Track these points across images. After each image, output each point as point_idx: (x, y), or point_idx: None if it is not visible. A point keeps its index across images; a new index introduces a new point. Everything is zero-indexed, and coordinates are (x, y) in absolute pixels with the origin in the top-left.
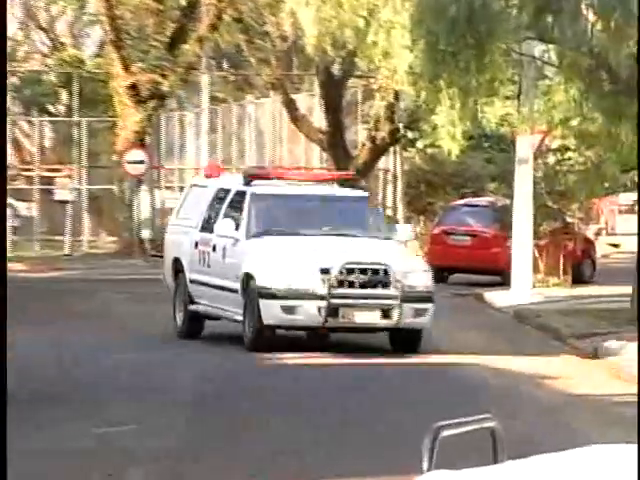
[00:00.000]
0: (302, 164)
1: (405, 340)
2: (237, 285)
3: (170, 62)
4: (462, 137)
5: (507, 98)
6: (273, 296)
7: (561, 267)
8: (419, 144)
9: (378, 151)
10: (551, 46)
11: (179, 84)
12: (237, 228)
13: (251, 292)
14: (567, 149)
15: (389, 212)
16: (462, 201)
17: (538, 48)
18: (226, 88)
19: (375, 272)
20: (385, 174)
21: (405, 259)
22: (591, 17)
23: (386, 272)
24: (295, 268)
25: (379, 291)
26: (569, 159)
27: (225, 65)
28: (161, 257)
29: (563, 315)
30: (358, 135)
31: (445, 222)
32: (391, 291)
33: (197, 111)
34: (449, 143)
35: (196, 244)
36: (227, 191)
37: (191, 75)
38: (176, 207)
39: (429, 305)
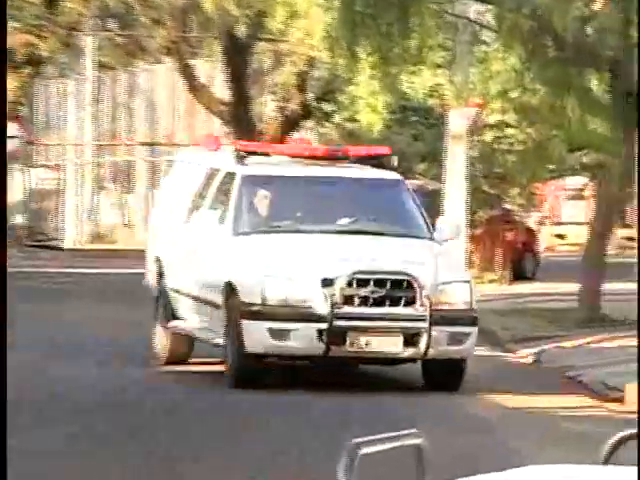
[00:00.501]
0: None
1: (440, 374)
2: (219, 298)
3: (49, 22)
4: (385, 110)
5: (438, 66)
6: (259, 315)
7: (499, 261)
8: (336, 118)
9: (289, 126)
10: (489, 7)
11: (59, 48)
12: (222, 222)
13: (232, 309)
14: (506, 125)
15: None
16: None
17: (474, 9)
18: (114, 53)
19: (397, 284)
20: None
21: (441, 266)
22: None
23: (411, 284)
24: (289, 278)
25: (401, 310)
26: (509, 137)
27: (113, 26)
28: (40, 247)
29: (500, 316)
30: (266, 107)
31: None
32: (418, 310)
33: (80, 79)
34: (370, 116)
35: (179, 241)
36: (217, 171)
37: (73, 37)
38: (159, 188)
39: (470, 329)
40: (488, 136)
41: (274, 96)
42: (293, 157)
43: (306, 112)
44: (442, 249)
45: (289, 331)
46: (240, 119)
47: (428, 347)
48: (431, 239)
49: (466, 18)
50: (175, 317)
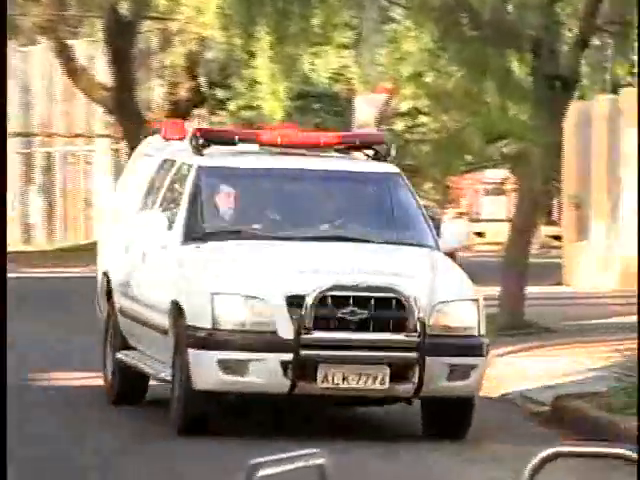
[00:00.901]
0: (80, 130)
1: (441, 418)
2: (166, 322)
3: None
4: (287, 96)
5: (343, 47)
6: (208, 343)
7: None
8: (231, 105)
9: (178, 114)
10: None
11: None
12: (171, 226)
13: (178, 334)
14: (419, 113)
15: None
16: None
17: None
18: None
19: (383, 303)
20: None
21: (441, 281)
22: None
23: (401, 304)
24: (246, 295)
25: (388, 336)
26: (421, 125)
27: None
28: None
29: None
30: (153, 93)
31: None
32: (409, 336)
33: None
34: (270, 104)
35: (126, 252)
36: (171, 164)
37: None
38: (114, 187)
39: (476, 360)
40: (399, 125)
41: (162, 81)
42: (267, 145)
43: (198, 98)
44: (443, 261)
45: (246, 363)
46: (124, 106)
47: (422, 383)
48: (432, 247)
49: None
50: (126, 346)
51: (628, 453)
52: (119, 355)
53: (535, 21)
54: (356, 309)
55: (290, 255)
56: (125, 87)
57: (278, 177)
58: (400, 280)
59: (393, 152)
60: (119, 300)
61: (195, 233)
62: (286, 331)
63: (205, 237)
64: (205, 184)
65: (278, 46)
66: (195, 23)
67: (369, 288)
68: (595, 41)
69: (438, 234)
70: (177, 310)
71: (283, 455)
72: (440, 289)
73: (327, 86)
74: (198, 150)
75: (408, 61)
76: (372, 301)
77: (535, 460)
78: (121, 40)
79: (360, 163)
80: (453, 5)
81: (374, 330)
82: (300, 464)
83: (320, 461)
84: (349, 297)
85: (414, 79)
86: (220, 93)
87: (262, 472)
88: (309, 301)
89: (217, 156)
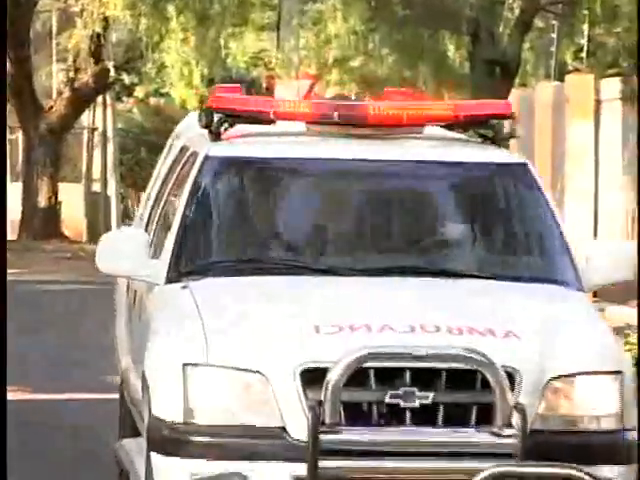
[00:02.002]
0: None
1: None
2: (141, 405)
3: None
4: (201, 82)
5: (262, 29)
6: (176, 447)
7: None
8: (138, 92)
9: (80, 101)
10: None
11: None
12: (158, 253)
13: (145, 429)
14: None
15: (97, 188)
16: None
17: None
18: None
19: (459, 381)
20: (91, 134)
21: (563, 341)
22: None
23: (486, 381)
24: (235, 367)
25: (466, 435)
26: None
27: None
28: None
29: None
30: (53, 79)
31: None
32: (500, 434)
33: None
34: (183, 90)
35: (128, 289)
36: (185, 154)
37: None
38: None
39: (617, 470)
40: None
41: (63, 65)
42: (322, 124)
43: (102, 84)
44: (583, 307)
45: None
46: (21, 93)
47: None
48: (571, 284)
49: None
50: (135, 431)
51: (576, 474)
52: (116, 445)
53: (473, 1)
54: (414, 390)
55: (317, 301)
56: (21, 72)
57: (330, 174)
58: (490, 342)
59: (520, 131)
60: (120, 362)
61: (187, 265)
62: (298, 427)
63: (201, 271)
64: (212, 185)
65: (191, 27)
66: (99, 2)
67: (436, 357)
68: (539, 23)
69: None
70: (145, 389)
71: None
72: (559, 356)
73: (245, 71)
74: (214, 132)
75: (334, 44)
76: (442, 378)
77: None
78: (17, 21)
79: (466, 149)
80: None
81: (444, 424)
82: None
83: None
84: (402, 371)
85: (340, 64)
86: (127, 78)
87: None
88: (334, 377)
89: (240, 142)
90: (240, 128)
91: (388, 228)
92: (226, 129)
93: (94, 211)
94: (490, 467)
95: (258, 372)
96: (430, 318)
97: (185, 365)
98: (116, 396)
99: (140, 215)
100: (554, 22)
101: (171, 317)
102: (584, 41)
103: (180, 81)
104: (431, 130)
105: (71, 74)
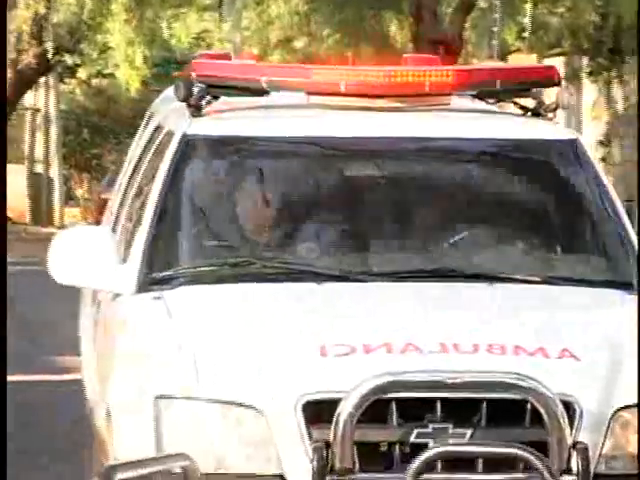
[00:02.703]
0: None
1: None
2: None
3: None
4: (144, 64)
5: (205, 9)
6: None
7: None
8: (81, 73)
9: (22, 83)
10: None
11: None
12: (126, 257)
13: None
14: None
15: (40, 169)
16: None
17: None
18: None
19: (503, 413)
20: (33, 115)
21: (633, 363)
22: None
23: (536, 413)
24: (222, 402)
25: None
26: None
27: None
28: None
29: None
30: None
31: None
32: (555, 478)
33: None
34: (127, 72)
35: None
36: (159, 135)
37: None
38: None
39: None
40: None
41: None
42: (325, 95)
43: (44, 66)
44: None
45: None
46: None
47: None
48: (633, 289)
49: None
50: None
51: (521, 453)
52: None
53: None
54: (447, 427)
55: (323, 314)
56: None
57: (340, 156)
58: (542, 364)
59: (568, 98)
60: (86, 389)
61: (161, 270)
62: (301, 475)
63: (178, 277)
64: (191, 171)
65: (134, 8)
66: None
67: (475, 385)
68: (481, 3)
69: None
70: (109, 428)
71: (143, 458)
72: (628, 380)
73: (187, 51)
74: (194, 105)
75: (277, 25)
76: (482, 410)
77: (416, 462)
78: None
79: (508, 123)
80: None
81: (485, 470)
82: (161, 467)
83: (184, 463)
84: (432, 403)
85: (283, 44)
86: (69, 59)
87: (120, 475)
88: (345, 412)
89: (226, 117)
90: (225, 101)
91: (411, 222)
92: (209, 102)
93: (37, 192)
94: (433, 447)
95: (251, 406)
96: (465, 334)
97: (158, 398)
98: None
99: (109, 210)
100: (496, 2)
101: (140, 336)
102: (526, 21)
103: (123, 62)
104: (458, 102)
105: (13, 55)
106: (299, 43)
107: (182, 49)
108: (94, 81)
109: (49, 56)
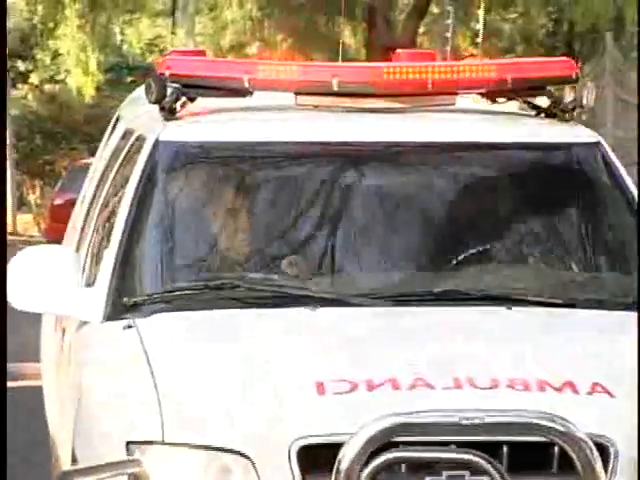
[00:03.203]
0: None
1: None
2: None
3: None
4: (98, 69)
5: (158, 15)
6: None
7: None
8: (33, 79)
9: None
10: None
11: None
12: (92, 280)
13: None
14: None
15: None
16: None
17: None
18: None
19: (527, 456)
20: None
21: None
22: None
23: (565, 457)
24: (204, 447)
25: None
26: None
27: None
28: None
29: None
30: None
31: (72, 189)
32: None
33: None
34: (80, 77)
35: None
36: (129, 140)
37: None
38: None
39: None
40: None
41: None
42: (316, 96)
43: None
44: None
45: None
46: None
47: None
48: None
49: None
50: None
51: (474, 458)
52: None
53: None
54: (464, 475)
55: (319, 345)
56: None
57: (334, 163)
58: (572, 402)
59: (590, 98)
60: (49, 429)
61: (133, 294)
62: None
63: (152, 302)
64: (166, 182)
65: (87, 13)
66: None
67: (496, 426)
68: (434, 9)
69: None
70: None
71: (96, 464)
72: None
73: (141, 57)
74: (168, 108)
75: (230, 30)
76: (503, 455)
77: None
78: None
79: (522, 126)
80: None
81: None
82: (114, 472)
83: (136, 469)
84: (448, 444)
85: (236, 50)
86: (22, 65)
87: None
88: (348, 458)
89: (204, 120)
90: (203, 103)
91: (416, 238)
92: (184, 104)
93: None
94: (386, 453)
95: (238, 452)
96: (482, 367)
97: (130, 444)
98: None
99: (73, 224)
100: (449, 8)
101: (109, 371)
102: (479, 27)
103: (76, 68)
104: (464, 102)
105: None
106: (252, 49)
107: (135, 55)
108: (47, 87)
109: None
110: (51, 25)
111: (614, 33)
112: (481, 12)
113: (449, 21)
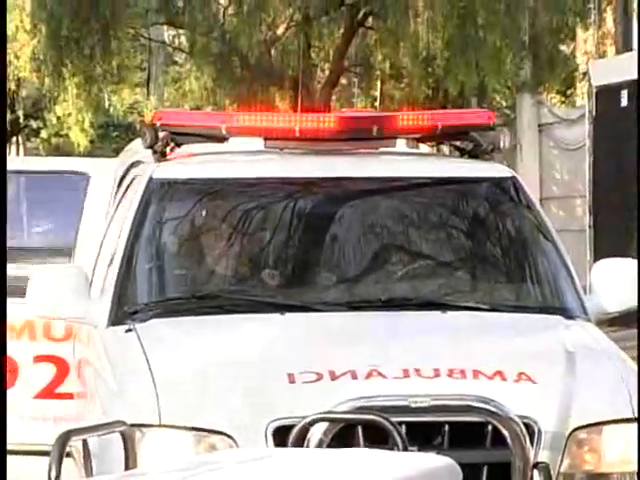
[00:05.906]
0: None
1: None
2: None
3: None
4: (91, 127)
5: (136, 85)
6: None
7: None
8: (43, 134)
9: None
10: (181, 31)
11: None
12: (102, 292)
13: None
14: None
15: None
16: None
17: (168, 33)
18: None
19: (465, 435)
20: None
21: (587, 384)
22: (223, 1)
23: (499, 435)
24: (191, 428)
25: None
26: None
27: None
28: None
29: None
30: None
31: None
32: None
33: None
34: (78, 133)
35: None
36: (126, 180)
37: None
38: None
39: None
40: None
41: None
42: (280, 140)
43: (15, 129)
44: (596, 340)
45: None
46: None
47: None
48: (575, 314)
49: (160, 41)
50: None
51: (380, 420)
52: None
53: (294, 64)
54: (413, 450)
55: (290, 343)
56: None
57: (298, 195)
58: (501, 387)
59: (505, 141)
60: None
61: (133, 303)
62: None
63: (149, 310)
64: (158, 212)
65: (83, 84)
66: (13, 66)
67: (440, 408)
68: (343, 80)
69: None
70: (88, 459)
71: (91, 424)
72: (582, 401)
73: (123, 117)
74: (159, 152)
75: (190, 97)
76: (444, 433)
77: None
78: None
79: (451, 164)
80: (227, 51)
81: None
82: (105, 431)
83: (123, 428)
84: (401, 424)
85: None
86: (33, 124)
87: (74, 438)
88: (315, 437)
89: (189, 161)
90: (188, 148)
91: (366, 256)
92: (172, 149)
93: None
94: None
95: (223, 433)
96: (426, 359)
97: (132, 427)
98: None
99: (86, 250)
100: (355, 79)
101: (112, 367)
102: (377, 94)
103: (75, 126)
104: (400, 145)
105: None
106: (208, 110)
107: (119, 115)
108: (53, 140)
109: (20, 121)
110: (55, 94)
111: (477, 99)
112: (378, 83)
113: (354, 89)
